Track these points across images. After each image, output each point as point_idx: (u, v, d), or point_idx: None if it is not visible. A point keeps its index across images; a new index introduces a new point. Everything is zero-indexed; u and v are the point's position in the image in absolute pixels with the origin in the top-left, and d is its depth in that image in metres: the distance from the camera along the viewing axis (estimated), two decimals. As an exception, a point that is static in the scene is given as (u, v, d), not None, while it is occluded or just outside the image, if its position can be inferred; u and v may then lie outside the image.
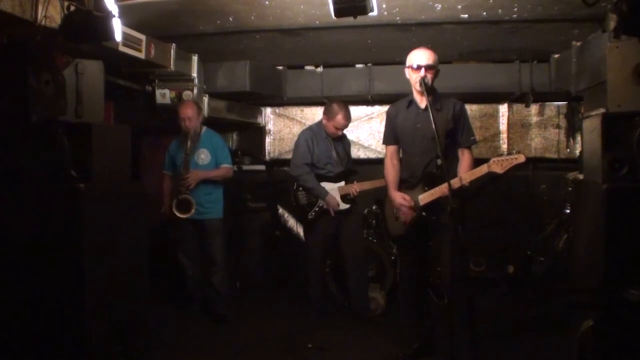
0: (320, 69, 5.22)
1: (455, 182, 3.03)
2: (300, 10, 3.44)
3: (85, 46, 2.98)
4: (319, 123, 4.33)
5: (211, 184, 4.23)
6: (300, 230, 4.70)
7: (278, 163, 5.90)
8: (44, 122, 2.68)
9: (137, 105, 4.73)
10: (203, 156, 4.22)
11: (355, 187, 4.18)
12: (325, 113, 4.21)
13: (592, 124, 2.84)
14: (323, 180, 4.18)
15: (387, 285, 4.49)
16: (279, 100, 5.50)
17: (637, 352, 2.43)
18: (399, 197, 3.29)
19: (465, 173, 3.11)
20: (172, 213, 4.11)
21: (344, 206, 4.18)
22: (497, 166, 3.03)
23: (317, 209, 4.17)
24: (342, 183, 4.20)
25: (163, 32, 3.86)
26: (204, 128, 4.33)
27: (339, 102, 4.21)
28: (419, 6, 3.39)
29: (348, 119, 4.19)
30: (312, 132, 4.27)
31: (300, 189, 4.22)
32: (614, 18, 2.69)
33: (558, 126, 5.37)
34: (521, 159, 3.01)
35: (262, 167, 5.71)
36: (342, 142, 4.38)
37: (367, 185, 4.24)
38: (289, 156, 4.42)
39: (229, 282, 4.54)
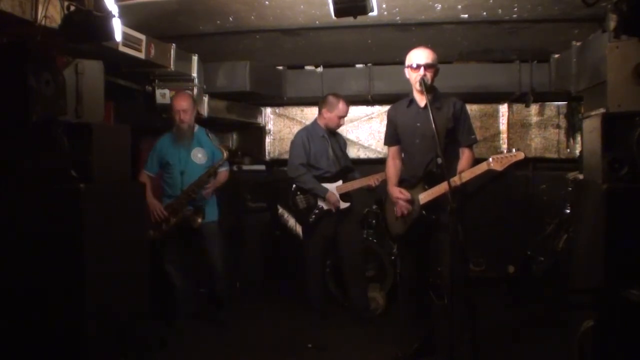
0: (320, 69, 5.22)
1: (455, 180, 3.04)
2: (300, 10, 3.44)
3: (85, 46, 2.98)
4: (314, 123, 4.33)
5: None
6: (299, 230, 4.70)
7: (278, 163, 5.90)
8: (44, 122, 2.68)
9: (137, 105, 4.73)
10: (200, 155, 4.02)
11: (377, 177, 4.12)
12: (324, 107, 4.21)
13: (592, 124, 2.84)
14: (321, 182, 4.17)
15: (387, 285, 4.49)
16: (279, 100, 5.50)
17: (637, 352, 2.43)
18: (396, 191, 3.31)
19: (465, 171, 3.12)
20: (162, 218, 3.88)
21: (343, 205, 4.18)
22: (497, 164, 3.03)
23: (317, 211, 4.16)
24: (340, 182, 4.20)
25: (163, 32, 3.85)
26: (197, 126, 4.12)
27: (331, 94, 4.27)
28: (419, 6, 3.39)
29: (348, 104, 4.25)
30: (308, 132, 4.26)
31: (299, 193, 4.21)
32: (614, 18, 2.69)
33: (558, 126, 5.37)
34: (520, 156, 3.02)
35: (262, 167, 5.71)
36: (337, 140, 4.38)
37: (365, 181, 4.23)
38: (289, 156, 4.42)
39: (230, 285, 4.37)
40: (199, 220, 3.89)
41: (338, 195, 4.15)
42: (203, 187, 3.93)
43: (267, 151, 5.96)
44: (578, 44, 4.07)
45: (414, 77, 3.20)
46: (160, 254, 4.03)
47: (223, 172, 4.16)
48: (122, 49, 3.41)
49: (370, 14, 2.90)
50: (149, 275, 3.36)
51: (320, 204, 4.16)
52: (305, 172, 4.15)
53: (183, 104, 3.95)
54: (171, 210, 3.91)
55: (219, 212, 4.18)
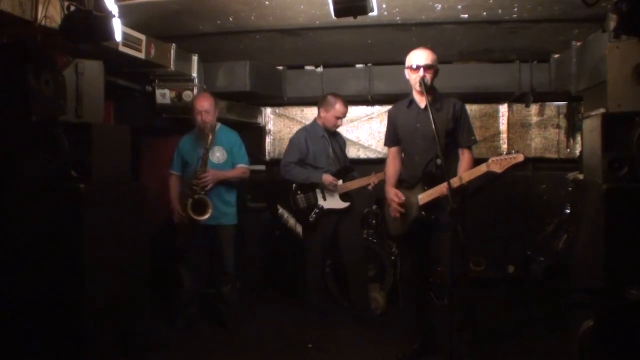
0: (320, 69, 5.22)
1: (455, 182, 3.04)
2: (300, 10, 3.43)
3: (85, 46, 2.98)
4: (314, 122, 4.33)
5: (226, 186, 3.95)
6: (300, 230, 4.70)
7: (278, 163, 5.88)
8: (44, 122, 2.68)
9: (137, 105, 4.73)
10: (219, 154, 3.92)
11: (374, 178, 4.14)
12: (322, 106, 4.21)
13: (592, 124, 2.84)
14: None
15: (387, 285, 4.49)
16: (279, 100, 5.50)
17: (637, 352, 2.43)
18: (392, 193, 3.32)
19: (465, 172, 3.12)
20: (181, 219, 3.85)
21: (343, 204, 4.18)
22: (496, 165, 3.03)
23: (317, 210, 4.17)
24: (340, 181, 4.20)
25: (163, 32, 3.85)
26: (219, 124, 4.04)
27: (331, 93, 4.26)
28: (419, 6, 3.39)
29: (346, 105, 4.22)
30: (307, 132, 4.26)
31: (299, 192, 4.20)
32: (614, 18, 2.69)
33: (558, 126, 5.37)
34: (520, 158, 3.02)
35: (262, 167, 5.71)
36: (337, 139, 4.38)
37: (364, 181, 4.23)
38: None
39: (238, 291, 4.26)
40: (199, 216, 3.75)
41: (338, 196, 4.15)
42: (198, 177, 3.76)
43: (267, 151, 5.96)
44: (578, 44, 4.07)
45: (413, 78, 3.21)
46: (178, 254, 4.02)
47: (240, 167, 4.02)
48: (122, 49, 3.41)
49: (370, 14, 2.90)
50: (151, 275, 3.36)
51: (321, 203, 4.17)
52: (293, 166, 4.14)
53: (205, 104, 3.86)
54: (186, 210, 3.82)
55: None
